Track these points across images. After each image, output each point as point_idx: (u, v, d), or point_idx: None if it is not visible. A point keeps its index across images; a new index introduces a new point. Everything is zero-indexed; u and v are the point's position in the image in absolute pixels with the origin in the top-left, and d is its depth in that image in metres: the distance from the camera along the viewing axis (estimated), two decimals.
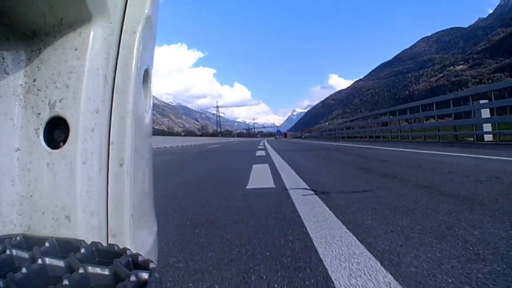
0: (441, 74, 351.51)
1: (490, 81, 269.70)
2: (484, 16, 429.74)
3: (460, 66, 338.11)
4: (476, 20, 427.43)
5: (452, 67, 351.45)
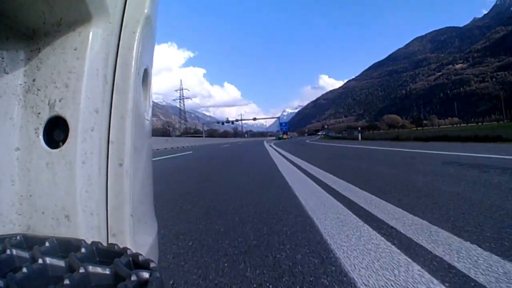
0: (440, 73, 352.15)
1: (494, 79, 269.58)
2: (479, 16, 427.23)
3: (460, 65, 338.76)
4: (472, 20, 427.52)
5: (450, 65, 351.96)
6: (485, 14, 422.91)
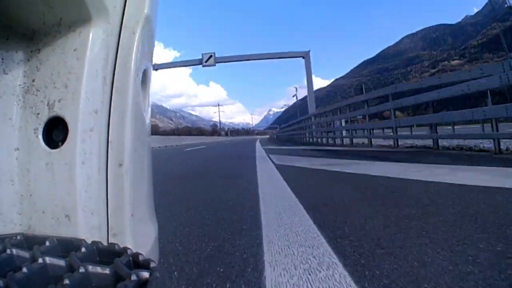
0: (435, 70, 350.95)
1: None
2: (471, 14, 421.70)
3: (456, 61, 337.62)
4: (463, 17, 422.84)
5: (446, 62, 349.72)
6: (477, 12, 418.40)
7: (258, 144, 15.91)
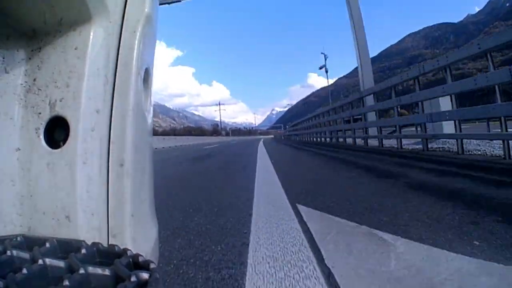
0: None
1: None
2: (473, 13, 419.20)
3: None
4: (465, 16, 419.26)
5: None
6: (479, 11, 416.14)
7: (261, 149, 10.38)
